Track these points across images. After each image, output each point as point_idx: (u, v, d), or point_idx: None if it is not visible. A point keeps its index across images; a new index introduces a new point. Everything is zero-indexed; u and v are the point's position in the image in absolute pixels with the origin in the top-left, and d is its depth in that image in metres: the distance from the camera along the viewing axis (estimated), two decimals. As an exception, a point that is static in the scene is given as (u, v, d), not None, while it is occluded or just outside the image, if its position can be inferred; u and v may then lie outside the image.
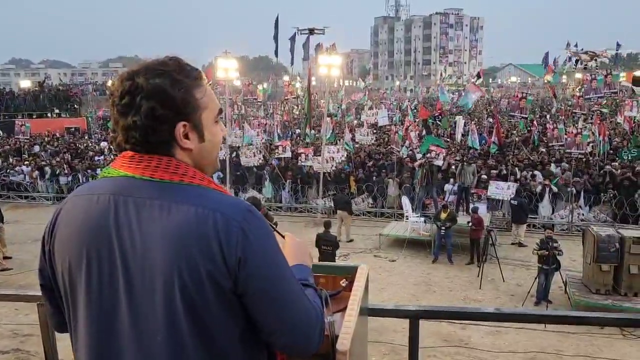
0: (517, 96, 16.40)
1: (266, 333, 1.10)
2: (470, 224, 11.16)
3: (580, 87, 24.84)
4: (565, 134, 14.56)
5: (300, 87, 29.52)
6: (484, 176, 14.30)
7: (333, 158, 15.76)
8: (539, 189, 13.82)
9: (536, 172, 14.84)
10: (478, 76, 26.37)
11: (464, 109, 26.54)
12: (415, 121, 20.66)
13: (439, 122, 23.82)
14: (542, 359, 7.02)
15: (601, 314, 2.13)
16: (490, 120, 25.13)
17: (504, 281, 9.89)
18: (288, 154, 16.93)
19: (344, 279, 1.68)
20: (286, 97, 26.05)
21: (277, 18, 23.44)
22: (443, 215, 11.25)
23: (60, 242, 1.14)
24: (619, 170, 14.05)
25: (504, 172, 14.88)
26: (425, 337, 6.65)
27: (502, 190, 12.94)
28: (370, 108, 24.78)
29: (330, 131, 19.36)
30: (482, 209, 12.68)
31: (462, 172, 13.62)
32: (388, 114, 23.72)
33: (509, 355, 7.09)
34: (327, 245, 9.40)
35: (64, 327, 1.20)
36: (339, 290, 1.62)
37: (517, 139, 18.60)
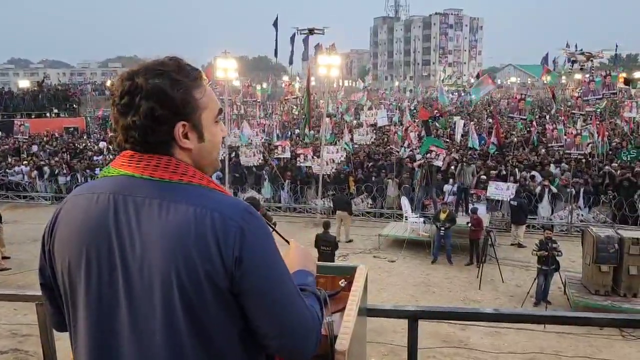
0: (516, 97, 16.42)
1: (261, 335, 1.10)
2: (469, 224, 11.17)
3: (579, 88, 24.87)
4: (565, 135, 14.57)
5: (299, 87, 29.53)
6: (484, 177, 14.31)
7: (333, 160, 15.75)
8: (538, 189, 13.83)
9: (535, 173, 14.86)
10: (477, 77, 26.40)
11: (472, 100, 26.48)
12: (415, 122, 20.69)
13: (437, 124, 23.84)
14: (541, 360, 7.03)
15: (600, 315, 2.13)
16: (490, 120, 25.16)
17: (503, 282, 9.90)
18: (287, 155, 16.93)
19: (343, 279, 1.68)
20: (286, 97, 26.08)
21: (277, 18, 23.51)
22: (442, 216, 11.25)
23: (60, 242, 1.14)
24: (618, 172, 14.06)
25: (504, 172, 14.89)
26: (425, 338, 6.65)
27: (502, 191, 12.94)
28: (370, 108, 24.78)
29: (330, 132, 19.37)
30: (482, 209, 12.69)
31: (462, 173, 13.63)
32: (387, 115, 23.74)
33: (508, 356, 7.09)
34: (326, 245, 9.40)
35: (64, 327, 1.20)
36: (337, 291, 1.62)
37: (515, 139, 18.62)
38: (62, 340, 1.88)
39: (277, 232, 1.34)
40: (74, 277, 1.11)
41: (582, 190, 13.59)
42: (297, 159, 16.39)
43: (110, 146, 22.77)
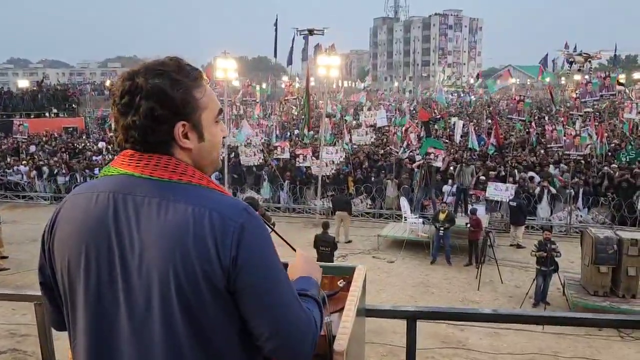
0: (515, 99, 16.42)
1: (256, 336, 1.09)
2: (468, 225, 11.17)
3: (577, 89, 24.93)
4: (564, 136, 14.57)
5: (299, 87, 29.52)
6: (483, 177, 14.32)
7: (333, 161, 15.73)
8: (537, 190, 13.84)
9: (533, 174, 14.86)
10: (477, 77, 26.43)
11: (471, 101, 26.42)
12: (415, 122, 20.69)
13: (436, 126, 23.86)
14: (539, 361, 7.03)
15: (599, 316, 2.13)
16: (489, 121, 25.18)
17: (502, 283, 9.90)
18: (287, 155, 16.93)
19: (342, 280, 1.69)
20: (286, 98, 26.06)
21: (277, 19, 23.53)
22: (441, 216, 11.25)
23: (60, 241, 1.15)
24: (616, 173, 14.07)
25: (503, 173, 14.90)
26: (424, 339, 6.64)
27: (501, 192, 12.95)
28: (369, 109, 24.79)
29: (329, 132, 19.35)
30: (481, 210, 12.69)
31: (461, 174, 13.64)
32: (387, 115, 23.74)
33: (507, 356, 7.09)
34: (325, 246, 9.40)
35: (63, 326, 1.20)
36: (336, 291, 1.62)
37: (514, 140, 18.63)
38: (60, 340, 1.88)
39: (276, 232, 1.34)
40: (74, 276, 1.11)
41: (581, 191, 13.60)
42: (297, 159, 16.39)
43: (109, 146, 22.76)
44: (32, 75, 75.71)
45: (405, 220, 12.78)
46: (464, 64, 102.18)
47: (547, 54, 43.38)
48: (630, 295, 8.57)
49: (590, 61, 35.79)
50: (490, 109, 33.38)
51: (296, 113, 31.68)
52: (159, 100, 1.09)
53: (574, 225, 13.15)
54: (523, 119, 17.27)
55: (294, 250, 1.38)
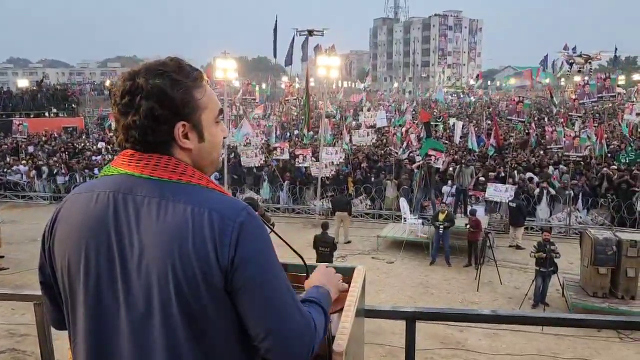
0: (514, 100, 16.43)
1: (252, 336, 1.09)
2: (468, 226, 11.17)
3: (576, 90, 24.93)
4: (564, 137, 14.58)
5: (299, 88, 29.52)
6: (482, 178, 14.32)
7: (332, 163, 15.72)
8: (537, 191, 13.84)
9: (532, 175, 14.86)
10: (477, 78, 26.45)
11: (470, 102, 26.28)
12: (415, 122, 20.70)
13: (436, 129, 23.88)
14: (538, 362, 7.03)
15: (598, 317, 2.13)
16: (489, 122, 25.20)
17: (501, 284, 9.90)
18: (286, 156, 16.91)
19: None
20: (286, 98, 26.04)
21: (276, 19, 23.53)
22: (441, 217, 11.24)
23: (60, 240, 1.15)
24: (615, 175, 14.07)
25: (502, 174, 14.90)
26: (423, 340, 6.65)
27: (500, 193, 12.95)
28: (369, 109, 24.79)
29: (329, 132, 19.34)
30: (480, 211, 12.69)
31: (460, 174, 13.64)
32: (386, 116, 23.75)
33: (506, 357, 7.09)
34: (324, 246, 9.40)
35: (63, 325, 1.20)
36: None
37: (512, 141, 18.63)
38: (60, 340, 1.88)
39: (275, 232, 1.34)
40: (74, 275, 1.12)
41: (580, 192, 13.61)
42: (296, 159, 16.38)
43: (108, 146, 22.76)
44: (32, 74, 75.65)
45: (405, 221, 12.78)
46: (464, 64, 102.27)
47: (546, 55, 43.41)
48: (629, 296, 8.57)
49: (590, 62, 35.72)
50: (490, 109, 33.44)
51: (296, 114, 31.70)
52: (159, 101, 1.09)
53: (573, 226, 13.15)
54: (523, 120, 17.27)
55: (294, 250, 1.38)
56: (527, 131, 21.92)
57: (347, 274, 1.70)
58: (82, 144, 24.62)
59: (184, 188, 1.10)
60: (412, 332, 1.88)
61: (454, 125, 22.24)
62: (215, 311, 1.06)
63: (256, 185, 16.64)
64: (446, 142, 20.22)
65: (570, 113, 23.21)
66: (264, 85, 44.77)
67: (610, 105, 29.53)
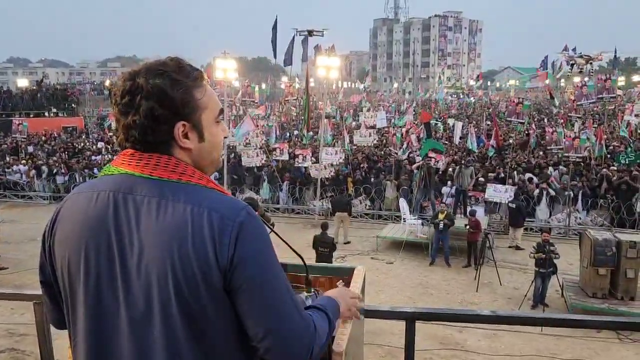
0: (514, 101, 16.42)
1: (251, 337, 1.09)
2: (467, 226, 11.17)
3: (575, 91, 24.94)
4: (564, 138, 14.57)
5: (299, 88, 29.50)
6: (482, 179, 14.32)
7: (332, 164, 15.71)
8: (536, 192, 13.84)
9: (531, 176, 14.86)
10: (477, 79, 26.44)
11: (470, 103, 26.13)
12: (415, 122, 20.68)
13: (435, 130, 23.87)
14: (538, 362, 7.03)
15: (597, 318, 2.13)
16: (489, 123, 25.20)
17: (501, 284, 9.90)
18: (286, 157, 16.89)
19: (341, 280, 1.69)
20: (286, 98, 26.01)
21: (276, 20, 23.49)
22: (441, 217, 11.24)
23: (60, 239, 1.15)
24: (615, 176, 14.07)
25: (502, 175, 14.90)
26: (422, 340, 6.65)
27: (500, 193, 12.95)
28: (369, 110, 24.78)
29: (329, 133, 19.32)
30: (480, 211, 12.69)
31: (460, 175, 13.64)
32: (386, 116, 23.74)
33: (505, 358, 7.09)
34: (324, 247, 9.40)
35: (63, 324, 1.21)
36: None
37: (512, 142, 18.63)
38: (59, 340, 1.88)
39: (275, 232, 1.34)
40: (74, 275, 1.12)
41: (580, 193, 13.61)
42: (296, 159, 16.37)
43: (108, 146, 22.74)
44: (32, 74, 75.59)
45: (404, 221, 12.78)
46: (464, 65, 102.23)
47: (546, 56, 43.40)
48: (628, 297, 8.58)
49: (591, 63, 35.63)
50: (490, 110, 33.45)
51: (295, 114, 31.69)
52: (159, 100, 1.09)
53: (573, 227, 13.15)
54: (522, 121, 17.27)
55: (294, 251, 1.38)
56: (527, 132, 21.93)
57: (346, 274, 1.70)
58: (82, 144, 24.60)
59: (184, 188, 1.10)
60: (412, 332, 1.88)
61: (453, 125, 22.23)
62: (215, 311, 1.06)
63: (256, 186, 16.63)
64: (446, 142, 20.22)
65: (569, 114, 23.22)
66: (263, 86, 44.74)
67: (613, 107, 29.47)
